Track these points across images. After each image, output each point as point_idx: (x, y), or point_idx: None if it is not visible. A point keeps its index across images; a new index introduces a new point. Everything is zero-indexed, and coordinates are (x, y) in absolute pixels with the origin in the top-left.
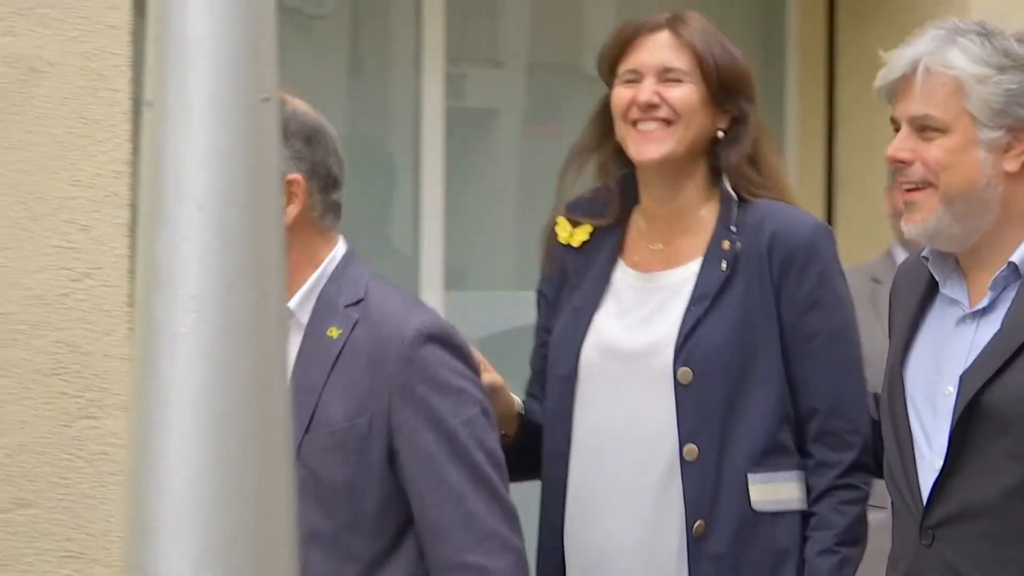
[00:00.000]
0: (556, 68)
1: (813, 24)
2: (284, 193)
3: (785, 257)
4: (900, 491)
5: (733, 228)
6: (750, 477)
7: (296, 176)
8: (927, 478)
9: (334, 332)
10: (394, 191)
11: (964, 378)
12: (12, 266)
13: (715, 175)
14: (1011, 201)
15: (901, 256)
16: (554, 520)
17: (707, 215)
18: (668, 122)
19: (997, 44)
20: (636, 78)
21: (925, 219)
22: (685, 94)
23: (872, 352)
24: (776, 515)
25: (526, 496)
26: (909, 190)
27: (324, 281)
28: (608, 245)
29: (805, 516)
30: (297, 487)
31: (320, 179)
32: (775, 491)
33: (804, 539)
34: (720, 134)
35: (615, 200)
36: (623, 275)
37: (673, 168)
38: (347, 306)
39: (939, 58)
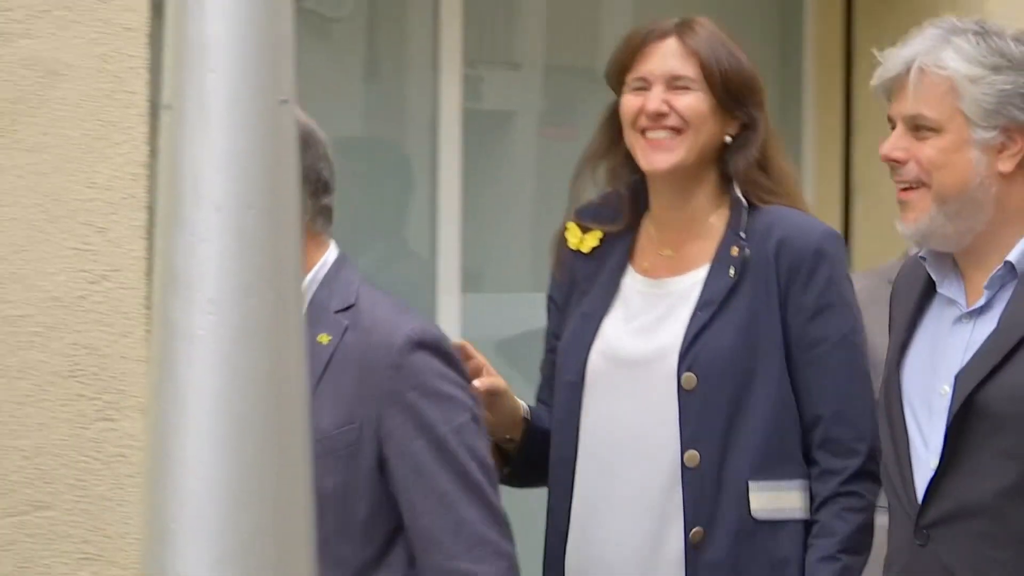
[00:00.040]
0: (573, 70)
1: (830, 27)
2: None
3: (792, 263)
4: (895, 491)
5: (742, 235)
6: (751, 485)
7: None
8: (922, 477)
9: (324, 338)
10: (411, 193)
11: (959, 377)
12: (29, 268)
13: (725, 181)
14: (1006, 201)
15: None
16: (560, 526)
17: (716, 221)
18: (677, 130)
19: (993, 44)
20: (644, 86)
21: (918, 219)
22: (694, 102)
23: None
24: (777, 524)
25: (532, 502)
26: (903, 189)
27: (315, 286)
28: (618, 251)
29: (808, 526)
30: None
31: (311, 184)
32: (777, 500)
33: (806, 548)
34: (729, 140)
35: (626, 206)
36: (632, 281)
37: (683, 176)
38: (337, 312)
39: (933, 58)
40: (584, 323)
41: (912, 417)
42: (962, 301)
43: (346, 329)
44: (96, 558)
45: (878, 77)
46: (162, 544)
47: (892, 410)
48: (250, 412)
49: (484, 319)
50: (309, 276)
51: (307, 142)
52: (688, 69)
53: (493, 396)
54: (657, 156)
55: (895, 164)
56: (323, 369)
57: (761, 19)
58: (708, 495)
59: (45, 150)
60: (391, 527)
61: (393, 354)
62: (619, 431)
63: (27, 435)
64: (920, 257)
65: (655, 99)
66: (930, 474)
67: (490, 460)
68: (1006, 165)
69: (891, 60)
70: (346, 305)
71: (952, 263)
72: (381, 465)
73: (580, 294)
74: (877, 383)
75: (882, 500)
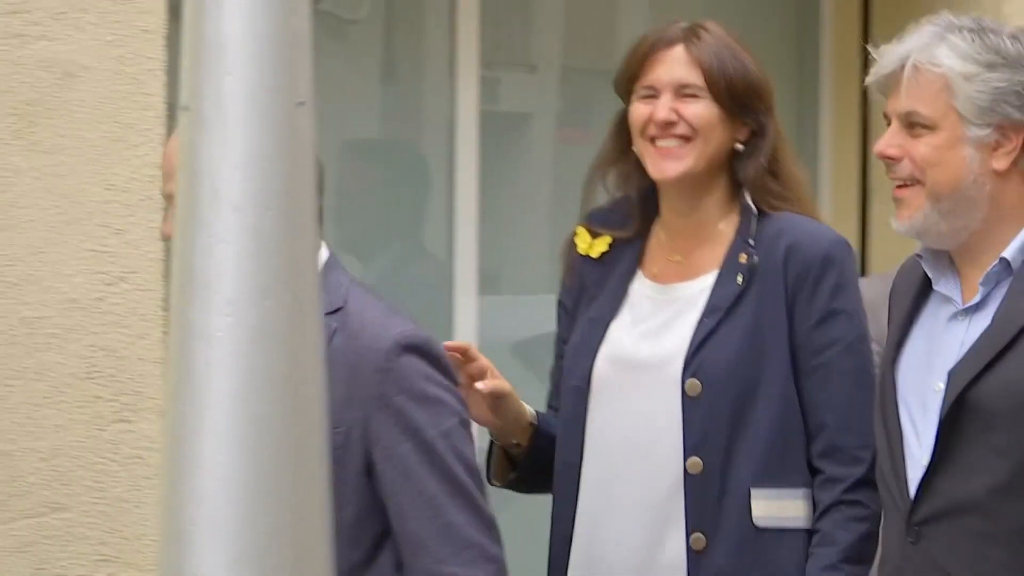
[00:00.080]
0: (590, 72)
1: (847, 28)
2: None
3: (800, 270)
4: (889, 489)
5: (751, 242)
6: (754, 492)
7: None
8: (915, 475)
9: None
10: (428, 195)
11: (952, 373)
12: (47, 270)
13: (736, 187)
14: (1001, 199)
15: None
16: (564, 531)
17: (726, 228)
18: (686, 138)
19: (989, 41)
20: (653, 94)
21: (912, 216)
22: (702, 110)
23: None
24: (780, 532)
25: (538, 506)
26: (898, 187)
27: None
28: (628, 256)
29: (811, 535)
30: None
31: None
32: (780, 508)
33: (808, 557)
34: (739, 147)
35: (636, 212)
36: (641, 286)
37: (693, 183)
38: (326, 314)
39: (927, 55)
40: (591, 328)
41: (907, 414)
42: (958, 298)
43: (335, 332)
44: (113, 559)
45: (873, 74)
46: (179, 545)
47: (886, 407)
48: (267, 413)
49: (501, 321)
50: None
51: None
52: (696, 77)
53: (498, 399)
54: (666, 164)
55: (889, 161)
56: None
57: (778, 20)
58: (710, 502)
59: (62, 152)
60: (379, 531)
61: (381, 357)
62: (623, 436)
63: (44, 437)
64: (916, 255)
65: (663, 107)
66: (923, 471)
67: (478, 464)
68: (1000, 163)
69: (886, 57)
70: (335, 307)
71: (949, 261)
72: (369, 469)
73: (589, 299)
74: None
75: None
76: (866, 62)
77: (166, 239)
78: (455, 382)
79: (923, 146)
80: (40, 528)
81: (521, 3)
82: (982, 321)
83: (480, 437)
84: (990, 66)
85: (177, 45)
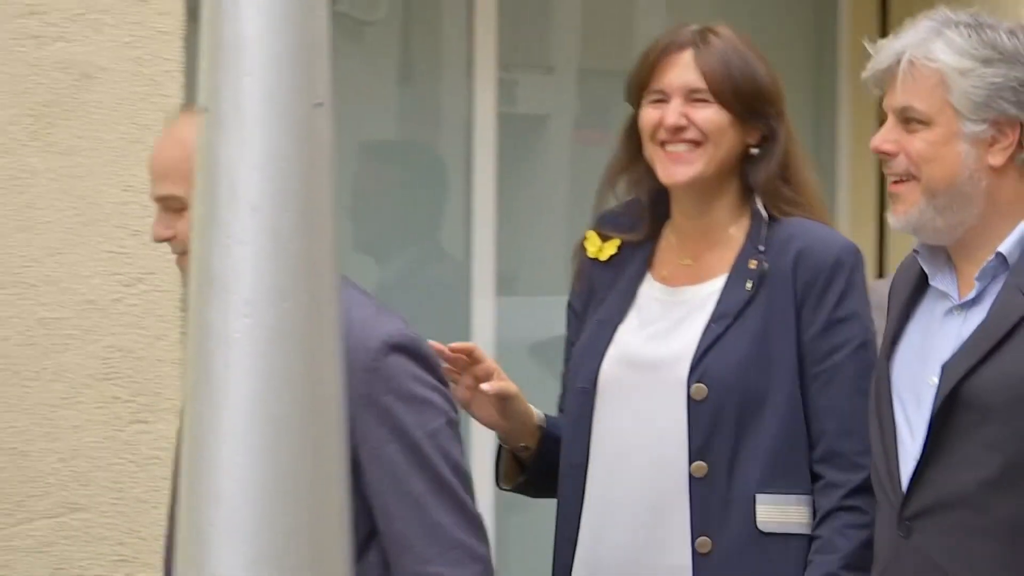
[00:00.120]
0: (607, 74)
1: (865, 28)
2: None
3: (809, 276)
4: (882, 484)
5: (761, 248)
6: (758, 497)
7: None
8: (908, 469)
9: None
10: (446, 197)
11: (946, 367)
12: (64, 271)
13: (747, 191)
14: (997, 195)
15: None
16: (569, 533)
17: (736, 232)
18: (696, 143)
19: (985, 37)
20: (663, 98)
21: (907, 211)
22: (712, 115)
23: None
24: (784, 537)
25: (542, 507)
26: (894, 182)
27: None
28: (637, 259)
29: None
30: None
31: None
32: (783, 513)
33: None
34: (754, 150)
35: (646, 215)
36: (649, 288)
37: (703, 187)
38: None
39: (923, 50)
40: (599, 330)
41: (900, 409)
42: (954, 293)
43: None
44: (132, 560)
45: (869, 69)
46: (198, 545)
47: (880, 402)
48: (285, 414)
49: (518, 322)
50: None
51: None
52: (702, 82)
53: (504, 401)
54: (676, 169)
55: (885, 156)
56: None
57: (795, 22)
58: (715, 506)
59: (80, 153)
60: (365, 531)
61: (369, 357)
62: (629, 439)
63: (62, 438)
64: (914, 251)
65: (673, 112)
66: (915, 465)
67: (465, 464)
68: (996, 159)
69: (882, 52)
70: None
71: (946, 256)
72: (355, 469)
73: (598, 302)
74: None
75: None
76: None
77: (157, 241)
78: (444, 382)
79: (919, 141)
80: (58, 528)
81: (538, 5)
82: (978, 316)
83: (486, 440)
84: (986, 61)
85: (195, 46)
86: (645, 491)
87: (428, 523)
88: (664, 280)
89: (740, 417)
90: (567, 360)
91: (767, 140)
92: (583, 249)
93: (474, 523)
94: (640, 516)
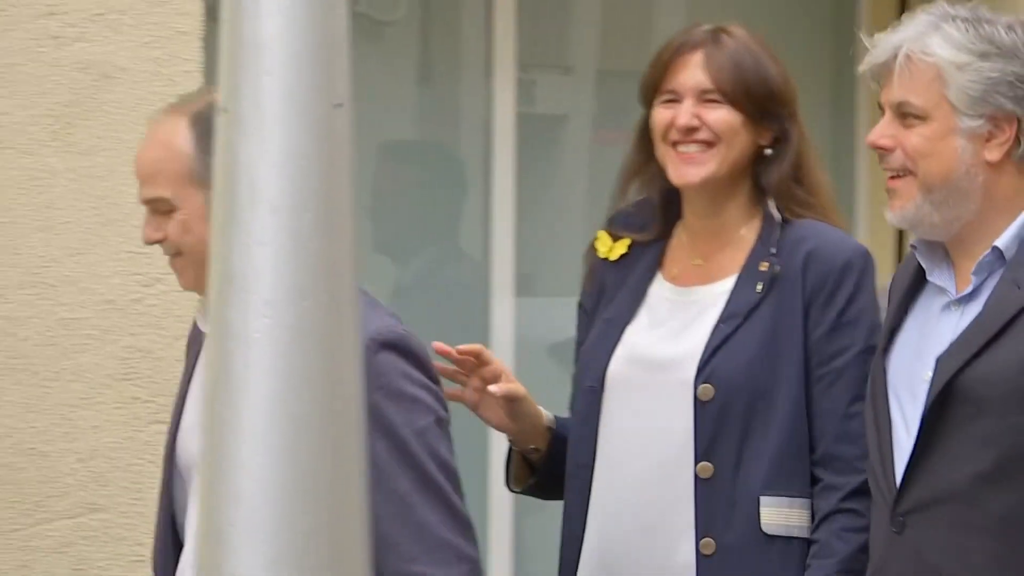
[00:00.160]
0: (626, 74)
1: (884, 27)
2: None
3: (817, 278)
4: (876, 480)
5: (773, 250)
6: (763, 499)
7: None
8: (902, 464)
9: None
10: (464, 197)
11: (940, 361)
12: (84, 271)
13: (759, 192)
14: (994, 190)
15: None
16: (575, 532)
17: (748, 233)
18: (709, 144)
19: (983, 31)
20: (675, 99)
21: (904, 207)
22: (725, 115)
23: None
24: (787, 539)
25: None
26: (891, 177)
27: None
28: (647, 258)
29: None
30: None
31: None
32: (787, 516)
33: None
34: (768, 151)
35: (658, 214)
36: (660, 288)
37: (715, 188)
38: None
39: (920, 44)
40: (607, 329)
41: (896, 404)
42: (951, 288)
43: None
44: (150, 561)
45: (866, 63)
46: (217, 545)
47: (876, 397)
48: (305, 414)
49: (537, 323)
50: None
51: None
52: (715, 84)
53: (512, 403)
54: (688, 170)
55: (882, 152)
56: None
57: (814, 22)
58: (720, 507)
59: (99, 153)
60: None
61: None
62: (635, 438)
63: (81, 438)
64: (911, 246)
65: (686, 113)
66: (908, 460)
67: (453, 464)
68: (993, 154)
69: (880, 46)
70: None
71: (943, 252)
72: None
73: (607, 301)
74: None
75: None
76: None
77: (148, 244)
78: (436, 380)
79: (915, 136)
80: (78, 529)
81: (557, 5)
82: (975, 310)
83: (492, 442)
84: (983, 56)
85: (214, 46)
86: (650, 491)
87: (413, 522)
88: (674, 280)
89: (746, 417)
90: (577, 361)
91: (779, 141)
92: (594, 249)
93: (462, 523)
94: (645, 516)
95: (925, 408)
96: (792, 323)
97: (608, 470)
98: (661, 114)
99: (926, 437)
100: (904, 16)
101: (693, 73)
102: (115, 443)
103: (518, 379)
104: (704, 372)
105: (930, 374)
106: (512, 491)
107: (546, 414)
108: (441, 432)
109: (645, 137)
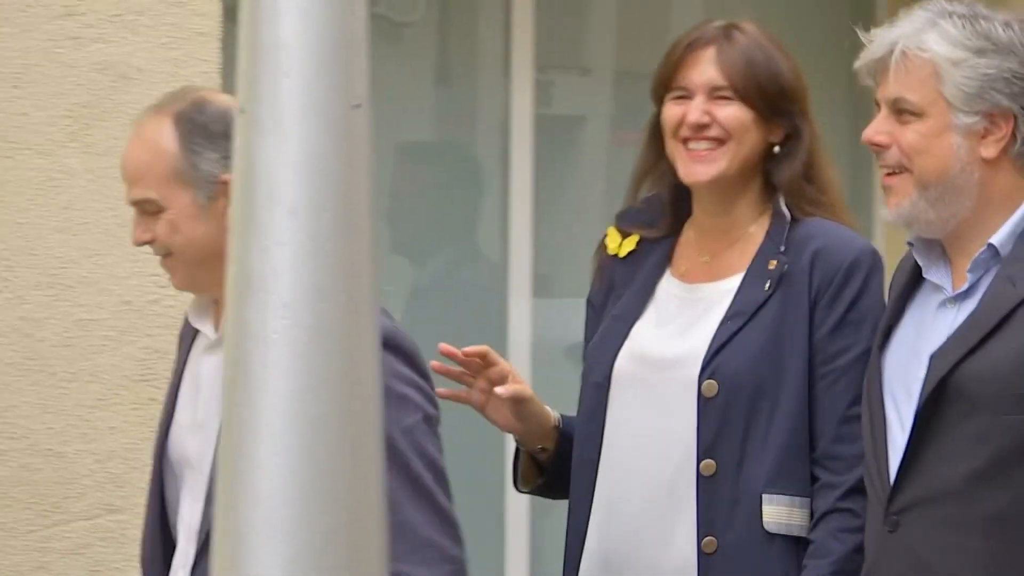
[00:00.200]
0: (644, 75)
1: None
2: (223, 194)
3: (824, 276)
4: (871, 478)
5: (782, 248)
6: (765, 497)
7: (231, 176)
8: (896, 463)
9: None
10: (482, 198)
11: (934, 358)
12: (102, 272)
13: (769, 190)
14: (990, 187)
15: None
16: (579, 528)
17: (756, 231)
18: (719, 141)
19: (979, 27)
20: (686, 95)
21: (899, 204)
22: (736, 112)
23: None
24: (789, 538)
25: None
26: (887, 174)
27: None
28: (656, 255)
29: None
30: None
31: None
32: (788, 514)
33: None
34: (777, 149)
35: (667, 211)
36: (668, 285)
37: (725, 186)
38: None
39: (915, 40)
40: (614, 325)
41: (892, 402)
42: (948, 286)
43: None
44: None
45: (862, 59)
46: (235, 545)
47: (872, 395)
48: (323, 415)
49: (554, 324)
50: None
51: None
52: (726, 80)
53: (519, 404)
54: (698, 168)
55: (878, 149)
56: None
57: (832, 18)
58: (722, 505)
59: (117, 154)
60: None
61: None
62: (639, 435)
63: (99, 439)
64: (908, 243)
65: (696, 110)
66: (901, 458)
67: (441, 463)
68: (989, 151)
69: (876, 42)
70: None
71: (940, 249)
72: None
73: (616, 298)
74: None
75: None
76: None
77: (137, 245)
78: (427, 377)
79: (910, 133)
80: (95, 530)
81: (575, 6)
82: (970, 308)
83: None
84: (979, 52)
85: (232, 47)
86: (653, 488)
87: (399, 520)
88: (682, 277)
89: (750, 415)
90: (584, 357)
91: (791, 138)
92: (603, 246)
93: (447, 522)
94: (648, 513)
95: (918, 406)
96: (798, 321)
97: (612, 466)
98: (672, 111)
99: (920, 435)
100: (901, 12)
101: (704, 69)
102: (132, 444)
103: (535, 380)
104: (708, 369)
105: (924, 372)
106: (520, 491)
107: (553, 413)
108: (429, 430)
109: (656, 134)
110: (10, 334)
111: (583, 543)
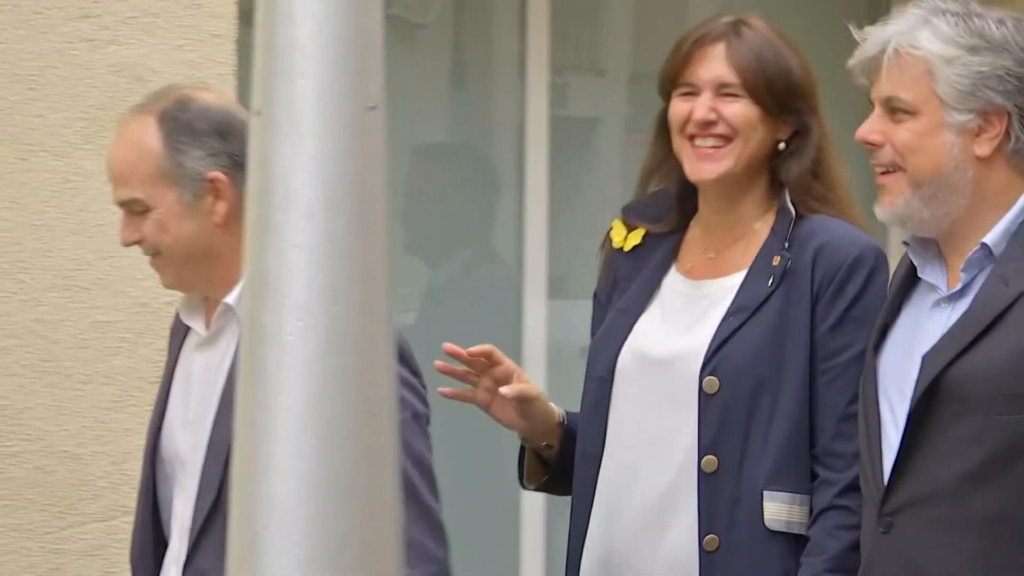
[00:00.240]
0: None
1: None
2: (210, 192)
3: (827, 272)
4: (866, 479)
5: (786, 244)
6: (766, 495)
7: (216, 174)
8: (890, 464)
9: None
10: (497, 200)
11: (926, 359)
12: (117, 274)
13: (776, 187)
14: (984, 185)
15: None
16: (581, 523)
17: (761, 227)
18: (726, 138)
19: (973, 25)
20: (693, 91)
21: (893, 202)
22: (742, 110)
23: None
24: (790, 536)
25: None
26: (881, 173)
27: None
28: (663, 250)
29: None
30: (229, 486)
31: (243, 169)
32: (789, 512)
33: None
34: (782, 146)
35: (674, 206)
36: (673, 281)
37: (731, 183)
38: None
39: (908, 39)
40: (619, 319)
41: (886, 402)
42: (943, 285)
43: None
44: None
45: (855, 57)
46: (251, 547)
47: (867, 396)
48: (338, 416)
49: (570, 325)
50: None
51: (229, 129)
52: (734, 76)
53: (524, 403)
54: (704, 166)
55: (871, 147)
56: None
57: (846, 15)
58: (724, 502)
59: None
60: None
61: None
62: (641, 431)
63: (114, 441)
64: (904, 243)
65: (703, 107)
66: (894, 459)
67: (429, 461)
68: (983, 149)
69: (869, 40)
70: None
71: (936, 248)
72: None
73: (620, 292)
74: None
75: None
76: None
77: (126, 245)
78: (417, 374)
79: (904, 132)
80: (110, 532)
81: (590, 7)
82: (964, 308)
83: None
84: (972, 50)
85: (248, 49)
86: (655, 485)
87: None
88: (688, 273)
89: (751, 411)
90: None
91: (798, 135)
92: (608, 239)
93: (432, 522)
94: (649, 511)
95: (911, 406)
96: (800, 317)
97: (614, 461)
98: (678, 107)
99: (912, 436)
100: (894, 10)
101: (712, 66)
102: None
103: (550, 381)
104: (709, 365)
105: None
106: (526, 488)
107: (558, 410)
108: (418, 427)
109: (664, 129)
110: (26, 336)
111: (584, 539)
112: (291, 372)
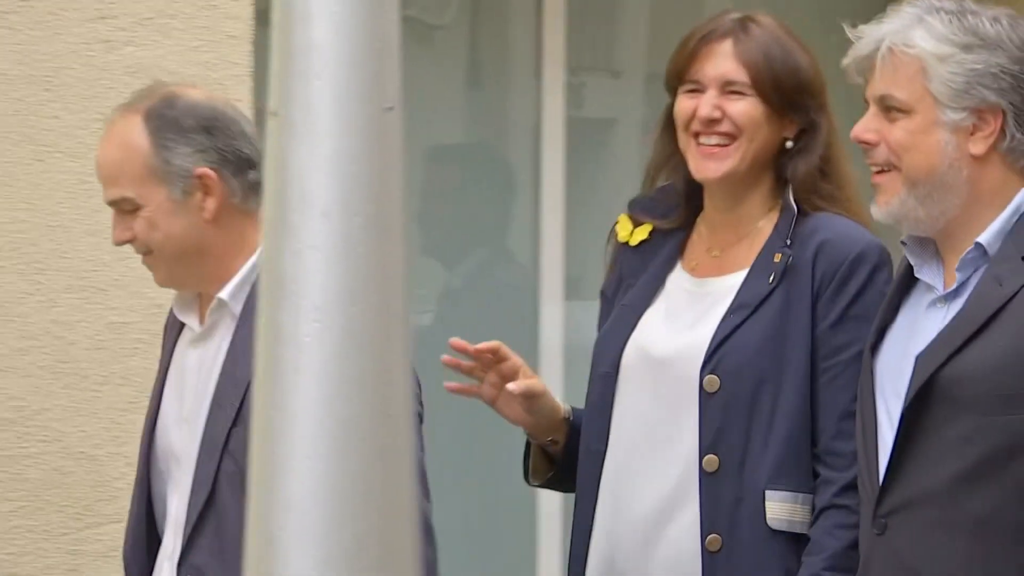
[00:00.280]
0: None
1: None
2: (199, 188)
3: (827, 269)
4: (863, 481)
5: (788, 241)
6: (768, 494)
7: (205, 170)
8: (885, 465)
9: None
10: (514, 200)
11: (919, 358)
12: (133, 275)
13: (781, 185)
14: (979, 184)
15: None
16: (585, 522)
17: (765, 225)
18: (731, 136)
19: (967, 23)
20: (698, 88)
21: (889, 202)
22: (748, 108)
23: None
24: (791, 535)
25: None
26: (875, 172)
27: (256, 272)
28: (668, 247)
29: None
30: (225, 479)
31: (231, 164)
32: (791, 511)
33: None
34: (789, 144)
35: (681, 203)
36: (678, 278)
37: (736, 181)
38: None
39: (902, 37)
40: (623, 314)
41: (883, 402)
42: (939, 285)
43: None
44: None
45: (849, 56)
46: (268, 549)
47: (863, 396)
48: (355, 418)
49: (586, 326)
50: (253, 259)
51: (216, 125)
52: (742, 74)
53: (531, 399)
54: (709, 164)
55: (866, 146)
56: None
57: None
58: (726, 501)
59: None
60: None
61: None
62: (643, 429)
63: (130, 442)
64: (901, 242)
65: (707, 104)
66: (888, 460)
67: (422, 459)
68: (978, 147)
69: (863, 39)
70: None
71: (934, 248)
72: None
73: (626, 288)
74: None
75: None
76: None
77: (118, 244)
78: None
79: (898, 131)
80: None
81: (606, 8)
82: (959, 307)
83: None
84: (966, 47)
85: (264, 50)
86: (657, 485)
87: None
88: (692, 271)
89: (752, 409)
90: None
91: (806, 133)
92: (615, 235)
93: (421, 521)
94: (653, 510)
95: (904, 406)
96: (801, 314)
97: (617, 459)
98: (684, 104)
99: (906, 437)
100: (889, 8)
101: (718, 63)
102: None
103: (567, 381)
104: (710, 364)
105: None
106: (531, 484)
107: (563, 406)
108: None
109: (670, 126)
110: (42, 337)
111: (589, 538)
112: (308, 373)
